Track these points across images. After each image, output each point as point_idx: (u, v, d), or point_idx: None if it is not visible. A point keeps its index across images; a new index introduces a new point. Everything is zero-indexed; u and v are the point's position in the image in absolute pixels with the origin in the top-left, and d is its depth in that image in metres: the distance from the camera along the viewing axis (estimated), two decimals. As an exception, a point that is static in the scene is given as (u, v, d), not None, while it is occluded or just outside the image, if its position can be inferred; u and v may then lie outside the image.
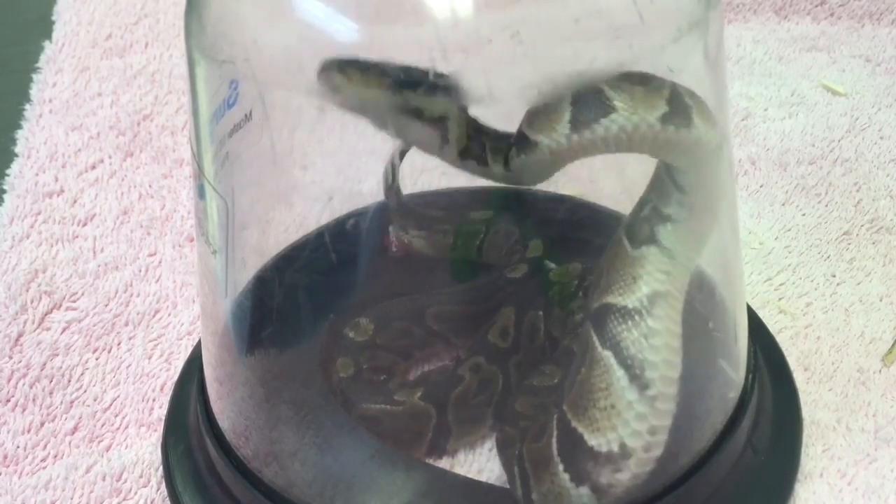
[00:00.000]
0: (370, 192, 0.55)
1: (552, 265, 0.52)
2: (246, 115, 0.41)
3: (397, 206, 0.55)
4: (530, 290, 0.52)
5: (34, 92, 0.84)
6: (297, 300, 0.50)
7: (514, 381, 0.49)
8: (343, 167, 0.53)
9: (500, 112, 0.35)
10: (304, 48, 0.36)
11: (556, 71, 0.32)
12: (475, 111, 0.38)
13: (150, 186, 0.72)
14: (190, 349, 0.57)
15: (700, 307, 0.46)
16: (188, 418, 0.50)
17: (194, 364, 0.52)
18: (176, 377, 0.54)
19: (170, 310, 0.61)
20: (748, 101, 0.78)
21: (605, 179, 0.53)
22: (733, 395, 0.46)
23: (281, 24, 0.37)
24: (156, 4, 0.97)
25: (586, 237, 0.53)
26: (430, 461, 0.48)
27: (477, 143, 0.39)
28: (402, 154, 0.52)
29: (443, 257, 0.56)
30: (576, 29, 0.35)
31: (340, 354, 0.51)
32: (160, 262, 0.65)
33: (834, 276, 0.61)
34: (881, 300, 0.58)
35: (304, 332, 0.50)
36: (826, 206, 0.67)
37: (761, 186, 0.69)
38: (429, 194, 0.56)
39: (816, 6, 0.91)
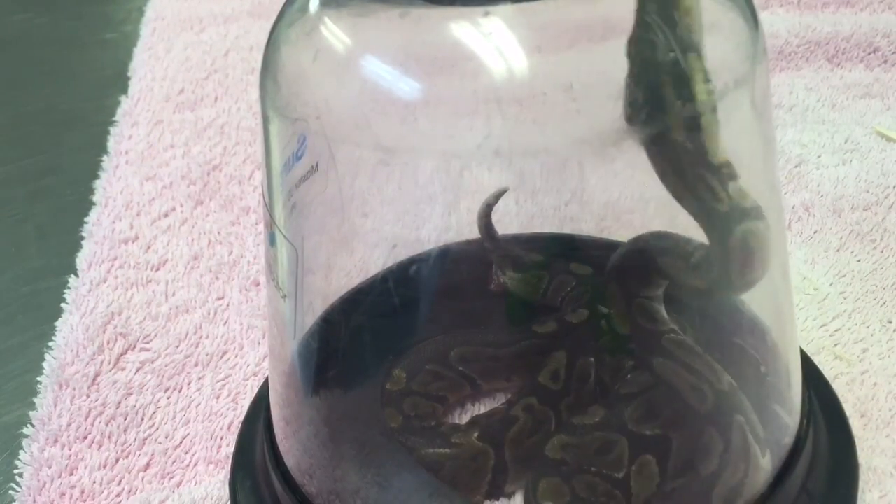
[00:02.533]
0: (428, 238, 0.56)
1: (605, 310, 0.52)
2: (312, 167, 0.43)
3: (493, 247, 0.56)
4: (582, 337, 0.53)
5: (111, 144, 0.88)
6: (361, 342, 0.51)
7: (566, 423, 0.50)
8: (402, 214, 0.54)
9: (552, 164, 0.37)
10: (370, 106, 0.39)
11: (607, 126, 0.34)
12: (526, 162, 0.40)
13: (218, 233, 0.75)
14: (255, 389, 0.58)
15: (752, 352, 0.47)
16: (255, 456, 0.51)
17: (260, 403, 0.54)
18: (242, 416, 0.56)
19: (237, 351, 0.63)
20: (801, 147, 0.78)
21: (658, 226, 0.54)
22: (788, 440, 0.46)
23: (349, 84, 0.39)
24: (225, 61, 1.01)
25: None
26: (488, 503, 0.49)
27: None
28: (498, 196, 0.53)
29: (531, 300, 0.57)
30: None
31: (386, 406, 0.52)
32: (228, 306, 0.67)
33: (890, 322, 0.60)
34: (939, 346, 0.58)
35: (368, 374, 0.52)
36: (882, 252, 0.66)
37: (815, 232, 0.69)
38: (537, 238, 0.57)
39: (869, 54, 0.91)
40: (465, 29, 0.37)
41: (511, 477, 0.49)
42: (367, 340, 0.52)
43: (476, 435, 0.49)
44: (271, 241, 0.44)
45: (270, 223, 0.44)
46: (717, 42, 0.38)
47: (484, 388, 0.55)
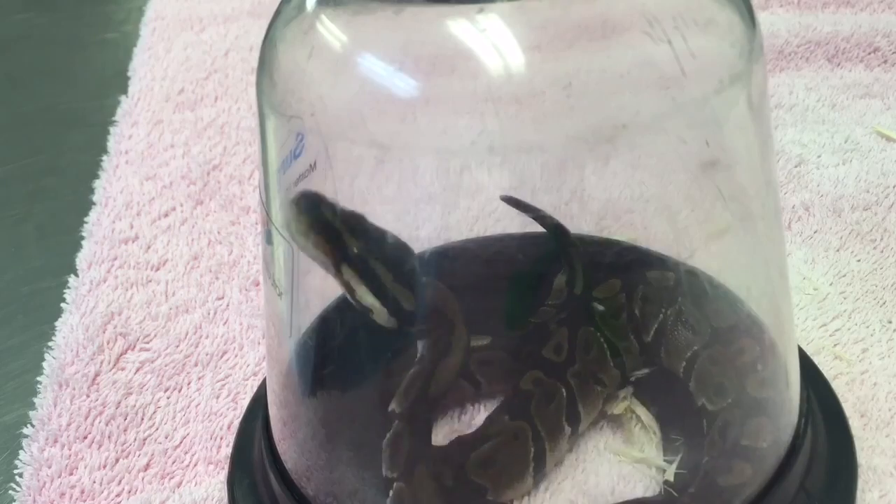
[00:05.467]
0: (427, 237, 0.56)
1: (600, 307, 0.52)
2: (311, 165, 0.43)
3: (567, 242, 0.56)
4: (580, 313, 0.53)
5: (111, 144, 0.88)
6: (357, 340, 0.51)
7: (577, 391, 0.50)
8: (401, 214, 0.54)
9: (548, 161, 0.37)
10: (365, 104, 0.39)
11: (603, 123, 0.34)
12: (525, 160, 0.40)
13: (218, 233, 0.75)
14: (255, 389, 0.58)
15: (750, 350, 0.47)
16: (253, 455, 0.51)
17: (259, 403, 0.54)
18: (242, 416, 0.56)
19: (236, 351, 0.63)
20: (801, 147, 0.78)
21: (658, 225, 0.54)
22: (786, 438, 0.46)
23: (344, 82, 0.39)
24: (225, 60, 1.01)
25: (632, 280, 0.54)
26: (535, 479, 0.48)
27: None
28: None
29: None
30: (622, 82, 0.37)
31: None
32: (227, 306, 0.67)
33: (890, 322, 0.60)
34: (938, 346, 0.58)
35: (364, 373, 0.52)
36: (881, 251, 0.66)
37: (815, 232, 0.69)
38: (617, 245, 0.56)
39: (869, 54, 0.91)
40: (462, 26, 0.37)
41: (548, 449, 0.49)
42: (363, 340, 0.52)
43: (507, 418, 0.49)
44: (268, 239, 0.44)
45: (267, 221, 0.44)
46: (713, 39, 0.38)
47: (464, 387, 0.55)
